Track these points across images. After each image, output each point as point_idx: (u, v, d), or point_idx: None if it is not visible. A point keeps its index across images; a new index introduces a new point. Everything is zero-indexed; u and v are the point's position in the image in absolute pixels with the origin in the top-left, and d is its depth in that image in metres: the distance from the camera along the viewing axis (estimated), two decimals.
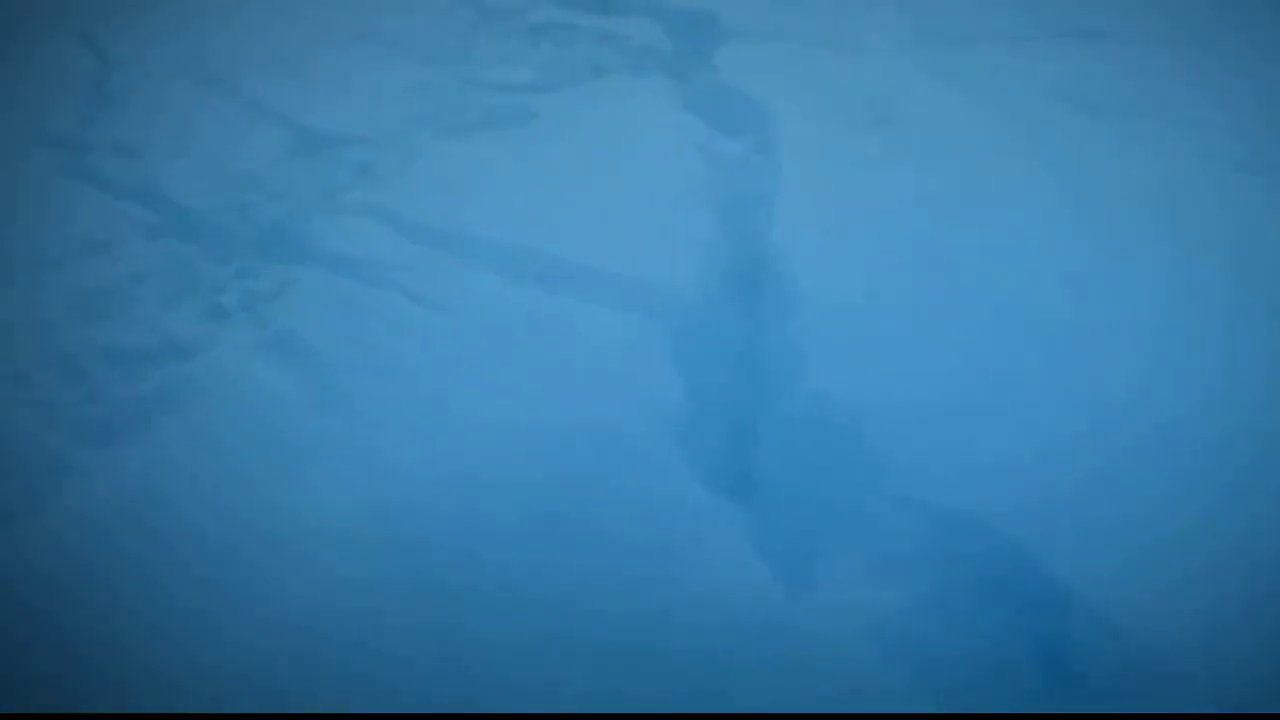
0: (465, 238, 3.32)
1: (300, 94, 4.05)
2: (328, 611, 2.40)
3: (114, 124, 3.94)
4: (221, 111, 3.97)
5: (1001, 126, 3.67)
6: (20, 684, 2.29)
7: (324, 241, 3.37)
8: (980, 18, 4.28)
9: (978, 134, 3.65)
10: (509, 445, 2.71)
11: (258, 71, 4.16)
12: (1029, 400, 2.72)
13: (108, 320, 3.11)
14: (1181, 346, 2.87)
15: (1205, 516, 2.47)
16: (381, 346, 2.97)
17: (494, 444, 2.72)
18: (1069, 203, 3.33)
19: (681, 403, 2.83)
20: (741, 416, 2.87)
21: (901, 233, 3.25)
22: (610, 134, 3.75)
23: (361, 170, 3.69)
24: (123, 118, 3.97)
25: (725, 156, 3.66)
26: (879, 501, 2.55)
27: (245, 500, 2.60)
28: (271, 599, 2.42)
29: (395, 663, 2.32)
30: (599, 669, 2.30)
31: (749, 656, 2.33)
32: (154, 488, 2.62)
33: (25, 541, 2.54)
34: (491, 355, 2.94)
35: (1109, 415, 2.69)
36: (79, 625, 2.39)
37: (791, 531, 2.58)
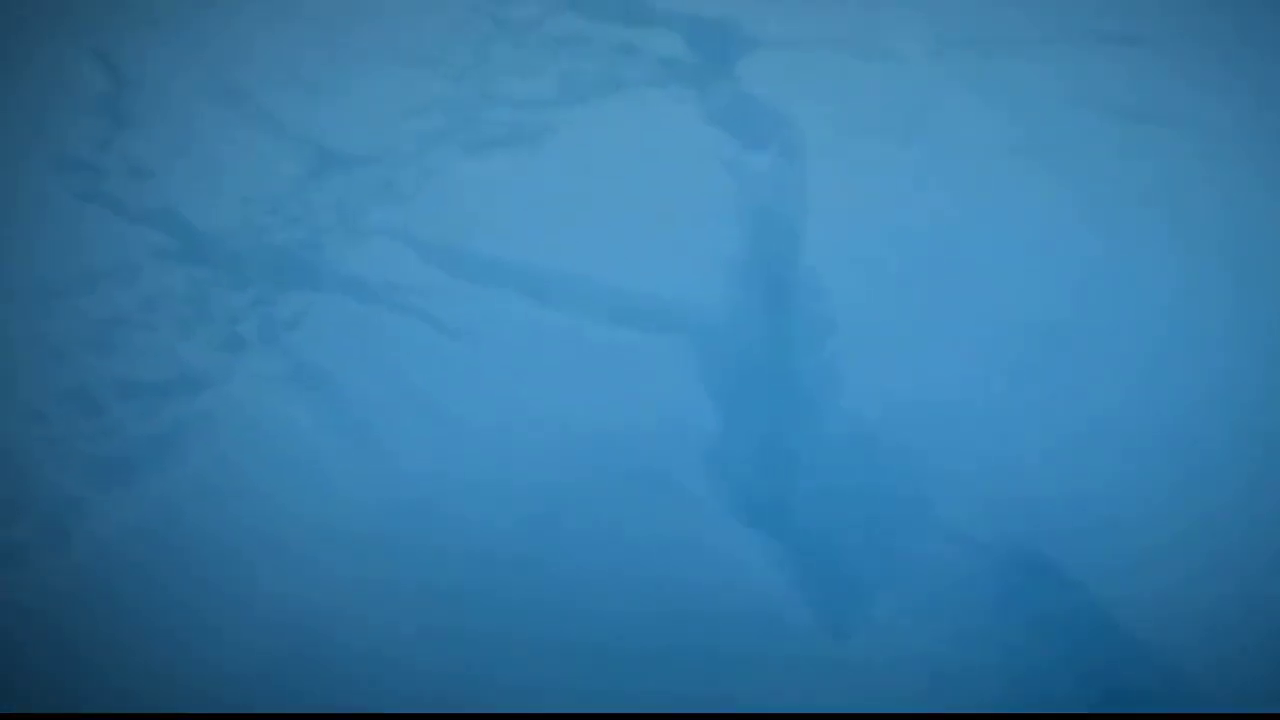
0: (486, 259, 3.26)
1: (317, 111, 3.98)
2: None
3: (128, 144, 3.87)
4: (238, 130, 3.91)
5: (1032, 134, 3.60)
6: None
7: (342, 266, 3.31)
8: (1004, 22, 4.19)
9: (1009, 142, 3.57)
10: (531, 471, 2.67)
11: (274, 88, 4.09)
12: (1077, 426, 2.66)
13: (122, 351, 3.05)
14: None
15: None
16: (403, 375, 2.91)
17: (517, 471, 2.67)
18: (1106, 215, 3.25)
19: (711, 428, 2.76)
20: (775, 442, 2.81)
21: (935, 246, 3.18)
22: (632, 148, 3.67)
23: (379, 190, 3.62)
24: (137, 138, 3.91)
25: (751, 169, 3.59)
26: (923, 532, 2.48)
27: (263, 525, 2.57)
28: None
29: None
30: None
31: (784, 686, 2.29)
32: (170, 526, 2.57)
33: (40, 579, 2.49)
34: (515, 380, 2.88)
35: (1153, 432, 2.66)
36: (93, 656, 2.37)
37: (827, 563, 2.51)
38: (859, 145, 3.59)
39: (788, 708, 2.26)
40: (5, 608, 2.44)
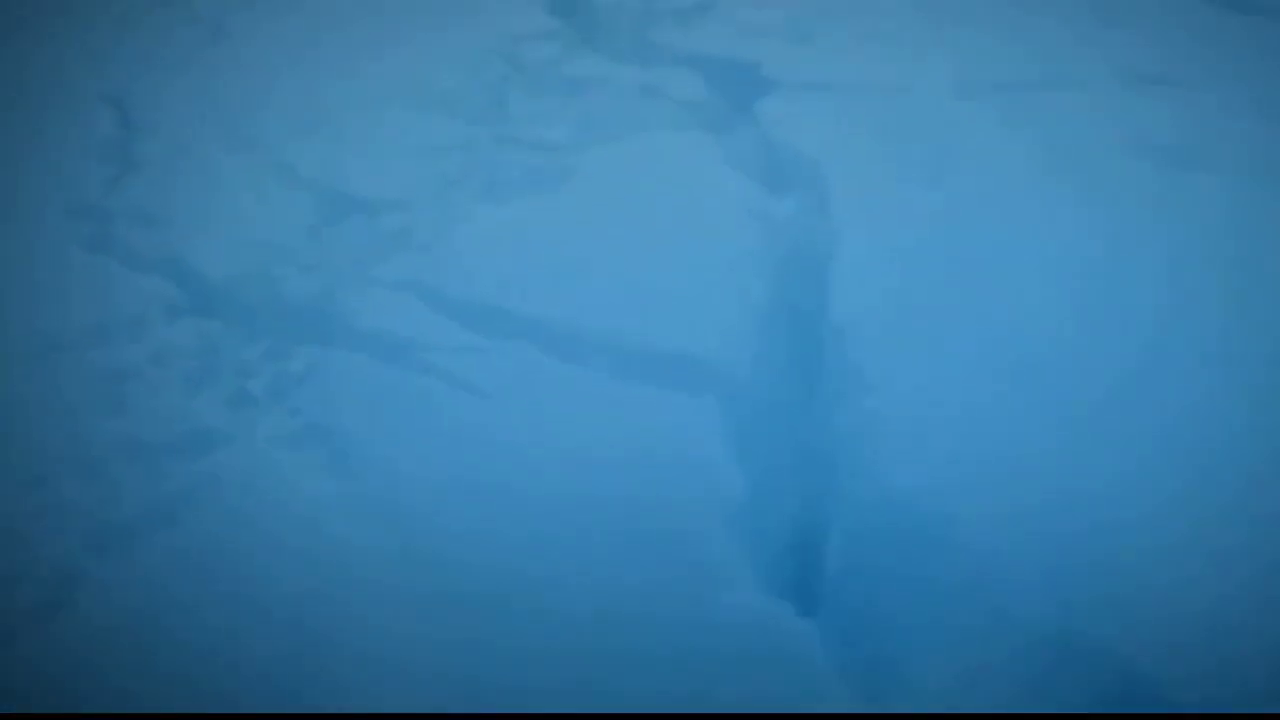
0: (505, 312, 3.16)
1: (331, 156, 3.90)
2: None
3: (139, 191, 3.80)
4: (250, 176, 3.83)
5: (1063, 175, 3.51)
6: None
7: (357, 318, 3.21)
8: (1033, 62, 4.12)
9: (1040, 184, 3.47)
10: (549, 531, 2.57)
11: (288, 132, 4.03)
12: (1137, 496, 2.54)
13: (127, 410, 2.93)
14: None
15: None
16: (419, 433, 2.81)
17: (534, 530, 2.57)
18: (1153, 260, 3.16)
19: (739, 496, 2.64)
20: (808, 513, 2.71)
21: (973, 298, 3.07)
22: (654, 194, 3.58)
23: (396, 238, 3.53)
24: (148, 184, 3.83)
25: (776, 217, 3.49)
26: (969, 613, 2.37)
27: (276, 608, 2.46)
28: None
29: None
30: None
31: None
32: (174, 593, 2.47)
33: (36, 655, 2.39)
34: (532, 437, 2.78)
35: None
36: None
37: (865, 645, 2.40)
38: (889, 191, 3.49)
39: None
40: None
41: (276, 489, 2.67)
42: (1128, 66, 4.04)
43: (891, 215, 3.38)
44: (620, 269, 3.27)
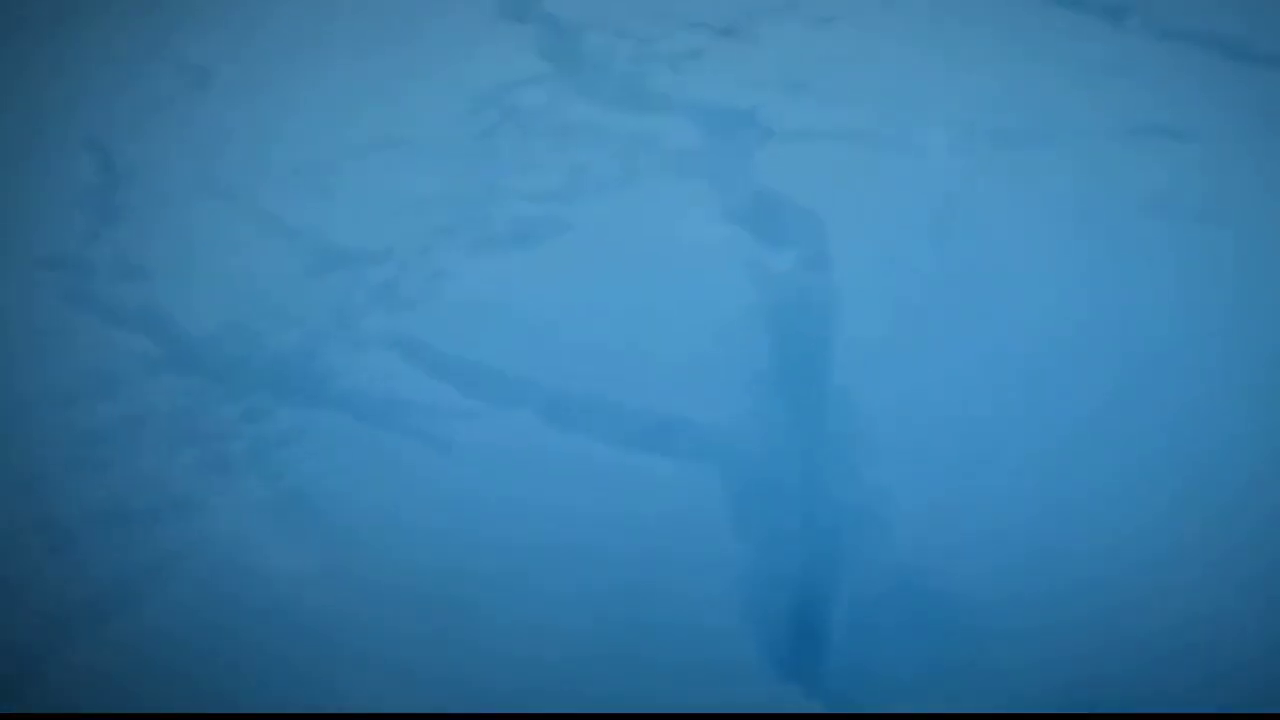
0: (494, 372, 3.06)
1: (317, 206, 3.82)
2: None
3: (119, 241, 3.71)
4: (234, 226, 3.75)
5: (1066, 228, 3.43)
6: None
7: (341, 377, 3.11)
8: (1035, 111, 4.04)
9: (1046, 236, 3.39)
10: (542, 613, 2.48)
11: (272, 182, 3.94)
12: (1160, 561, 2.45)
13: (99, 473, 2.82)
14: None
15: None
16: (404, 501, 2.70)
17: (527, 612, 2.48)
18: (1165, 316, 3.08)
19: (740, 569, 2.55)
20: (811, 576, 2.59)
21: (978, 351, 3.00)
22: (648, 247, 3.49)
23: (383, 292, 3.42)
24: (129, 234, 3.75)
25: (774, 272, 3.39)
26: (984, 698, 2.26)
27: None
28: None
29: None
30: None
31: None
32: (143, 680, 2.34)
33: None
34: (528, 511, 2.67)
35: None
36: None
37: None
38: (892, 246, 3.41)
39: None
40: None
41: (255, 559, 2.57)
42: (1131, 116, 3.96)
43: (893, 268, 3.30)
44: (614, 326, 3.18)
